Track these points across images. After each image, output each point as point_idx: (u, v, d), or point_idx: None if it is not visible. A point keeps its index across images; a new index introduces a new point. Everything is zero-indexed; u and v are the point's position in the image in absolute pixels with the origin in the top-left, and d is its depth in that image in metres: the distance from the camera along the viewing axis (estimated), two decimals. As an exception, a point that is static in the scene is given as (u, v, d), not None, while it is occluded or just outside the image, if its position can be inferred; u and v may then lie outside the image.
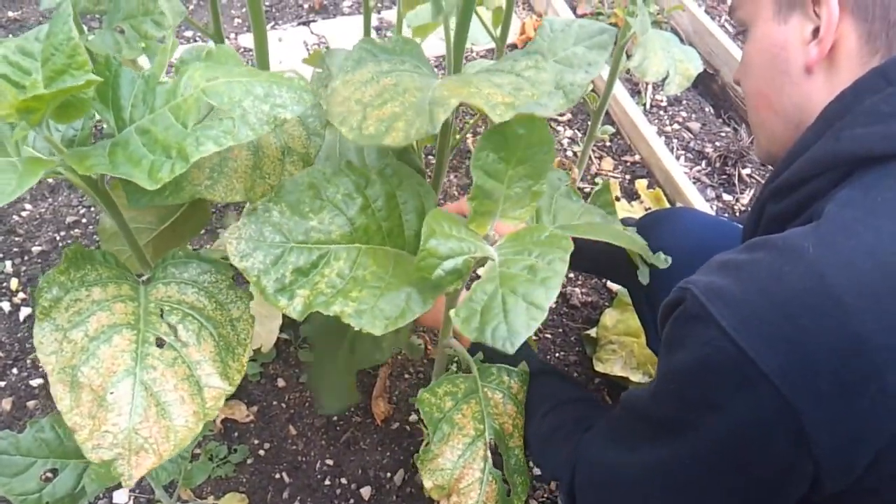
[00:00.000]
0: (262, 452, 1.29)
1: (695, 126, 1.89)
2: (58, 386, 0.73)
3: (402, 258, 0.85)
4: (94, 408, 0.72)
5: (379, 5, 2.18)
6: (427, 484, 0.85)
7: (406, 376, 1.40)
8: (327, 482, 1.27)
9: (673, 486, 0.72)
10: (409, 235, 0.86)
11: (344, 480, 1.27)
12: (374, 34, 2.09)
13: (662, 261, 0.82)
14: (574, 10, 2.12)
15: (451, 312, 0.72)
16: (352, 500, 1.25)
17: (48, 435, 0.95)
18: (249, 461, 1.27)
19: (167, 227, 1.11)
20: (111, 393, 0.72)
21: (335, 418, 1.34)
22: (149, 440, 0.72)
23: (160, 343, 0.77)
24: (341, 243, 0.82)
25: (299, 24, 2.11)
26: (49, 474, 0.95)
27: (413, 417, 1.35)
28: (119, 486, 1.24)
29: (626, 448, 0.76)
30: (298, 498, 1.24)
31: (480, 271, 0.77)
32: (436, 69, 1.41)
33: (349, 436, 1.32)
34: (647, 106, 1.92)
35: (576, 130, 1.85)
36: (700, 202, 1.62)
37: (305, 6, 2.17)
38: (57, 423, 0.95)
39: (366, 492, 1.26)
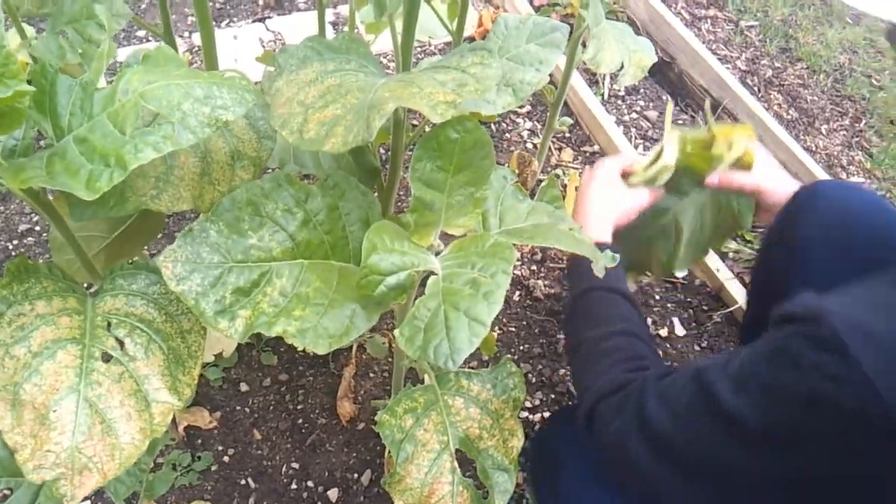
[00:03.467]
0: (226, 459, 1.27)
1: (652, 115, 1.89)
2: None
3: (347, 272, 0.83)
4: (35, 426, 0.70)
5: (335, 0, 2.15)
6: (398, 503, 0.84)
7: (371, 375, 1.39)
8: (293, 486, 1.25)
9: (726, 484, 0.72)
10: (353, 248, 0.84)
11: (310, 483, 1.26)
12: (330, 30, 2.06)
13: (611, 259, 0.82)
14: (531, 2, 2.11)
15: (395, 332, 0.71)
16: (319, 503, 1.24)
17: (1, 453, 0.92)
18: (214, 468, 1.26)
19: (119, 236, 1.09)
20: (54, 411, 0.70)
21: (300, 420, 1.32)
22: (93, 459, 0.70)
23: (106, 358, 0.75)
24: (283, 260, 0.81)
25: (255, 20, 2.08)
26: (6, 491, 0.92)
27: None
28: None
29: (684, 424, 0.74)
30: (264, 501, 1.23)
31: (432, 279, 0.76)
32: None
33: (315, 438, 1.31)
34: (605, 96, 1.92)
35: (535, 122, 1.85)
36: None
37: (261, 2, 2.14)
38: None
39: (333, 494, 1.25)
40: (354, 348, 1.39)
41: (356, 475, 1.27)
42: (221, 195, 0.83)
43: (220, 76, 0.72)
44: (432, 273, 0.75)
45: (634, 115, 1.89)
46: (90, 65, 0.86)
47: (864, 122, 2.14)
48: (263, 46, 1.98)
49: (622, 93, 1.95)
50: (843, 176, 1.92)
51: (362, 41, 0.90)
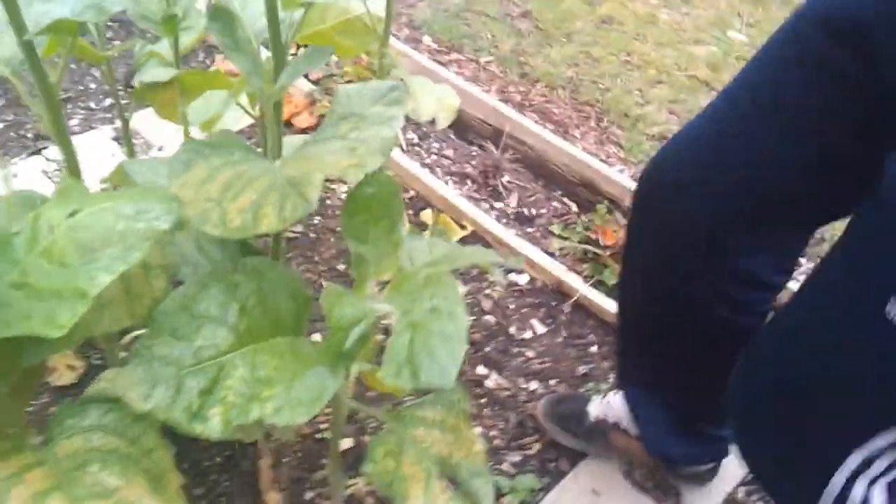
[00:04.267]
0: None
1: (449, 152, 2.08)
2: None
3: (296, 343, 0.87)
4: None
5: (111, 115, 2.11)
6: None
7: (285, 459, 1.39)
8: (249, 592, 1.22)
9: None
10: (290, 322, 0.89)
11: (264, 583, 1.23)
12: (117, 144, 2.02)
13: (516, 262, 0.94)
14: (307, 76, 2.23)
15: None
16: None
17: None
18: None
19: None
20: (63, 561, 0.68)
21: (233, 528, 1.29)
22: None
23: (94, 496, 0.73)
24: (232, 351, 0.83)
25: (30, 154, 1.98)
26: None
27: (308, 494, 1.34)
28: None
29: None
30: None
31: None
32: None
33: (254, 538, 1.28)
34: (404, 147, 2.09)
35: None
36: (480, 214, 1.81)
37: (29, 135, 2.04)
38: None
39: (291, 584, 1.24)
40: (260, 439, 1.39)
41: (307, 558, 1.27)
42: (148, 308, 0.84)
43: (140, 191, 0.75)
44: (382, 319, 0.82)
45: (434, 157, 2.07)
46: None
47: (605, 119, 2.50)
48: (50, 178, 1.90)
49: (416, 140, 2.12)
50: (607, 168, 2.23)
51: (234, 134, 0.95)
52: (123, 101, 1.31)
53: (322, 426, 1.44)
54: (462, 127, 2.20)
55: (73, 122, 2.11)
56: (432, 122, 1.84)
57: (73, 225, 0.69)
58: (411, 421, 0.98)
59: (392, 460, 0.92)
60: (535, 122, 2.30)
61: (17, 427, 0.80)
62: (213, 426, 0.77)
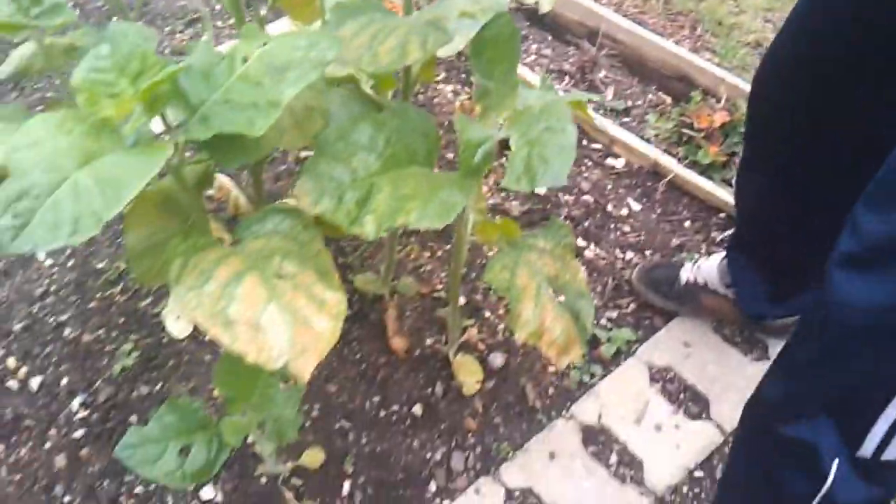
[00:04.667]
0: (315, 414, 1.42)
1: (548, 52, 2.19)
2: (214, 329, 0.86)
3: (428, 172, 1.03)
4: (251, 334, 0.86)
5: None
6: (521, 337, 1.05)
7: (408, 313, 1.58)
8: (382, 413, 1.43)
9: None
10: (423, 155, 1.05)
11: (395, 407, 1.44)
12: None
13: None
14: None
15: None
16: (407, 421, 1.42)
17: (170, 419, 1.05)
18: (308, 424, 1.41)
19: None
20: (261, 319, 0.87)
21: (363, 366, 1.50)
22: (305, 345, 0.87)
23: (278, 276, 0.92)
24: (380, 174, 1.00)
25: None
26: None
27: (429, 341, 1.53)
28: (205, 484, 1.34)
29: None
30: (364, 433, 1.40)
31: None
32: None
33: (382, 374, 1.48)
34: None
35: (454, 84, 2.10)
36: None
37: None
38: (173, 407, 1.06)
39: (417, 409, 1.43)
40: (386, 294, 1.58)
41: (430, 390, 1.46)
42: (313, 138, 1.02)
43: (306, 30, 0.92)
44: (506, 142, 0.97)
45: (534, 57, 2.18)
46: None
47: (699, 28, 2.53)
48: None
49: (515, 42, 2.24)
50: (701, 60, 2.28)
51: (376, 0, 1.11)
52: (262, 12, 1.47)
53: (438, 287, 1.62)
54: (559, 29, 2.30)
55: (204, 39, 2.32)
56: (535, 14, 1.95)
57: (262, 54, 0.87)
58: (524, 246, 1.14)
59: (507, 273, 1.08)
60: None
61: (201, 214, 1.00)
62: (367, 229, 0.94)
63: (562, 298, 1.11)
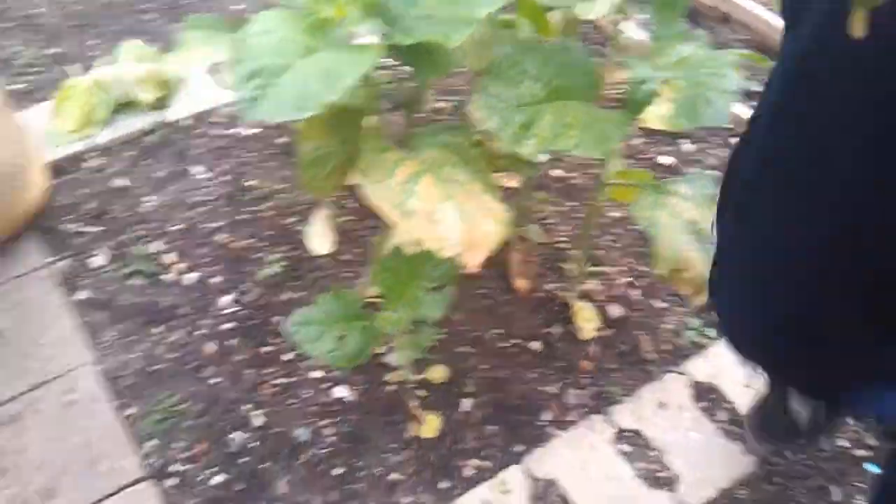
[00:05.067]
0: (440, 337, 1.53)
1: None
2: (396, 218, 0.97)
3: (587, 106, 1.11)
4: (428, 225, 0.97)
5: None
6: (663, 271, 1.12)
7: (530, 259, 1.66)
8: (501, 344, 1.52)
9: None
10: (583, 90, 1.13)
11: (514, 340, 1.53)
12: None
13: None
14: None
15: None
16: (526, 354, 1.51)
17: (332, 305, 1.18)
18: (433, 345, 1.51)
19: (346, 157, 1.35)
20: (437, 214, 0.97)
21: (487, 302, 1.59)
22: (474, 240, 0.97)
23: (450, 181, 1.02)
24: (545, 102, 1.09)
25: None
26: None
27: (549, 285, 1.61)
28: (339, 384, 1.46)
29: None
30: (483, 360, 1.49)
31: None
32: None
33: (504, 310, 1.57)
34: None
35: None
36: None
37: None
38: (336, 296, 1.18)
39: (535, 344, 1.52)
40: (514, 240, 1.66)
41: (549, 329, 1.54)
42: (487, 63, 1.11)
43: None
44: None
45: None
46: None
47: None
48: None
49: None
50: None
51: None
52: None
53: (561, 239, 1.70)
54: (693, 12, 2.33)
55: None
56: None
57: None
58: (667, 190, 1.20)
59: (650, 210, 1.15)
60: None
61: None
62: (528, 150, 1.03)
63: (699, 244, 1.17)
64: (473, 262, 0.96)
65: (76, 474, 1.39)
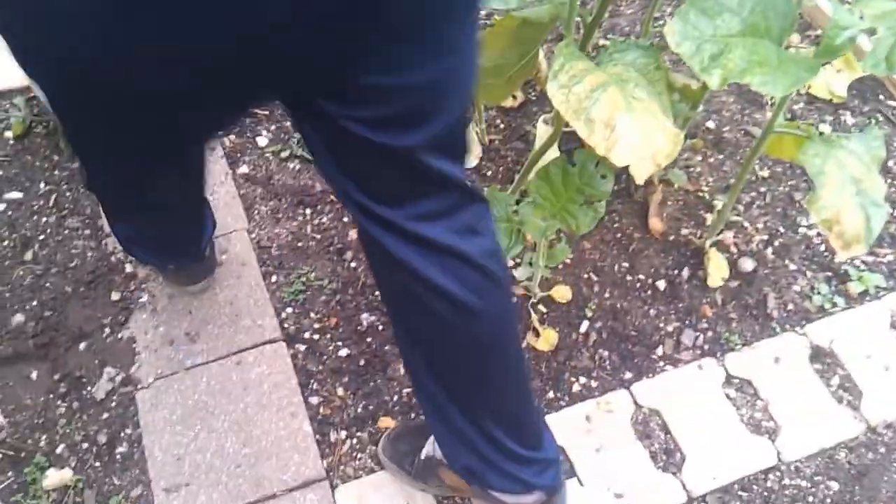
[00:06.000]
0: (567, 261, 1.59)
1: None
2: (576, 123, 1.03)
3: (777, 50, 1.13)
4: (606, 133, 1.02)
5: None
6: (817, 219, 1.14)
7: (670, 203, 1.69)
8: (627, 278, 1.57)
9: None
10: (777, 32, 1.14)
11: (640, 276, 1.57)
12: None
13: None
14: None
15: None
16: (649, 291, 1.56)
17: (489, 202, 1.26)
18: (561, 267, 1.58)
19: (522, 66, 1.41)
20: (617, 123, 1.03)
21: (619, 235, 1.64)
22: (646, 154, 1.02)
23: (633, 97, 1.07)
24: (738, 36, 1.11)
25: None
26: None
27: (684, 231, 1.65)
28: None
29: None
30: (606, 290, 1.55)
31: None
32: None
33: (635, 246, 1.62)
34: None
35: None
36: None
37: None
38: (492, 195, 1.26)
39: (660, 284, 1.56)
40: (655, 180, 1.70)
41: (676, 272, 1.58)
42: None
43: None
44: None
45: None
46: None
47: None
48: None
49: None
50: None
51: None
52: None
53: (703, 188, 1.72)
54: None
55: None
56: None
57: None
58: (837, 144, 1.21)
59: (819, 160, 1.17)
60: None
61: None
62: (713, 80, 1.06)
63: (859, 200, 1.18)
64: (642, 174, 1.01)
65: (220, 325, 1.54)
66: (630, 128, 1.02)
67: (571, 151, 1.28)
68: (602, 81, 1.06)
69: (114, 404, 1.42)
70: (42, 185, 1.71)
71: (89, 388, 1.44)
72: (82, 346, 1.49)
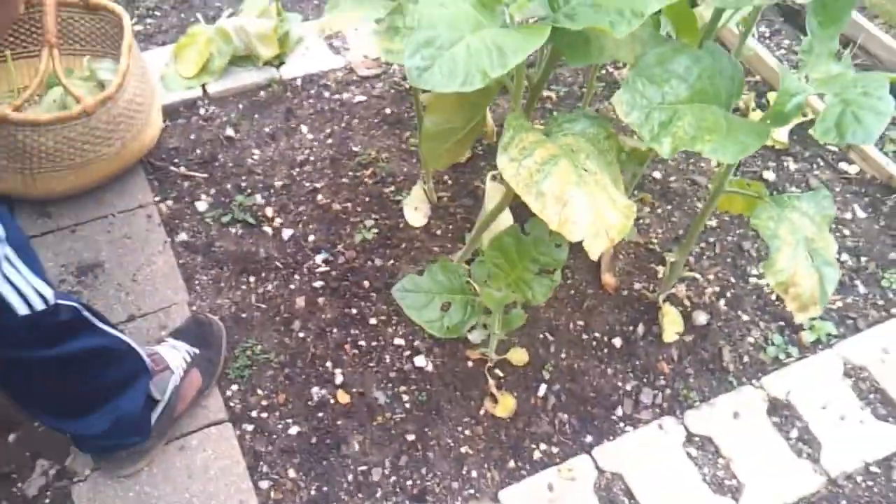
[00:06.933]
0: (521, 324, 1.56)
1: (797, 48, 2.21)
2: (527, 197, 1.00)
3: (725, 115, 1.12)
4: (558, 207, 0.99)
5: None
6: (772, 282, 1.14)
7: (621, 256, 1.68)
8: (584, 336, 1.55)
9: None
10: (726, 97, 1.13)
11: (596, 334, 1.55)
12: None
13: None
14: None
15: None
16: (605, 349, 1.53)
17: (440, 277, 1.21)
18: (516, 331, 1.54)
19: (465, 134, 1.37)
20: (568, 198, 1.00)
21: (572, 292, 1.62)
22: (600, 230, 1.00)
23: (584, 170, 1.04)
24: (686, 103, 1.10)
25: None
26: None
27: (636, 285, 1.63)
28: (418, 354, 1.50)
29: None
30: (563, 350, 1.52)
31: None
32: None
33: (589, 303, 1.60)
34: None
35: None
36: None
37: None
38: (444, 266, 1.22)
39: (616, 341, 1.54)
40: (605, 234, 1.68)
41: (631, 328, 1.56)
42: (633, 59, 1.13)
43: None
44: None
45: (783, 51, 2.21)
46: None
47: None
48: None
49: (767, 34, 2.26)
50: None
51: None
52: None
53: (653, 241, 1.71)
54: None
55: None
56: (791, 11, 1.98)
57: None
58: (789, 205, 1.21)
59: (773, 223, 1.17)
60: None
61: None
62: (664, 148, 1.05)
63: (812, 261, 1.18)
64: (597, 250, 0.98)
65: (162, 405, 1.45)
66: (582, 203, 1.00)
67: (523, 217, 1.25)
68: (552, 154, 1.03)
69: (48, 501, 1.32)
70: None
71: (19, 485, 1.33)
72: (11, 437, 1.39)
